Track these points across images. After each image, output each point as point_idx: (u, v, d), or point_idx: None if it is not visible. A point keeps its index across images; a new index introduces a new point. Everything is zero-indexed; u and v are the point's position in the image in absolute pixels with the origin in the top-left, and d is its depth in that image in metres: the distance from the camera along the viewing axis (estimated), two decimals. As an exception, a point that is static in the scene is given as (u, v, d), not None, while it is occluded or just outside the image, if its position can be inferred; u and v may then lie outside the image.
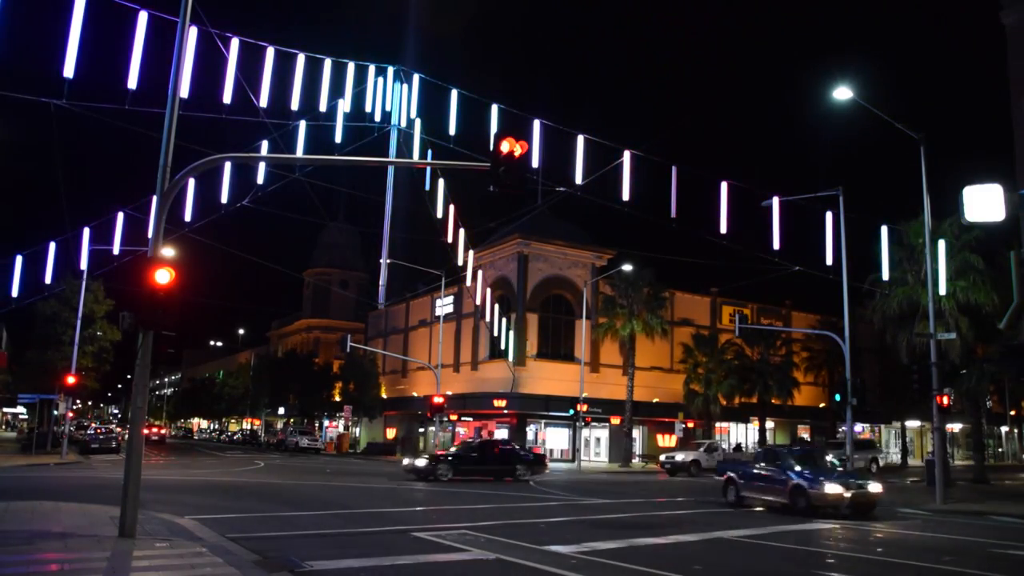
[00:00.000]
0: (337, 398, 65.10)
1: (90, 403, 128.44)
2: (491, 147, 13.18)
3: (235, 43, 21.76)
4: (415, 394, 58.98)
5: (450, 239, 39.43)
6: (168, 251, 14.68)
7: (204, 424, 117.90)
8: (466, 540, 13.01)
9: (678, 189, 25.02)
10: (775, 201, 26.67)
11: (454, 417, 54.01)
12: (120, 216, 27.64)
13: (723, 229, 25.69)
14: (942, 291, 28.85)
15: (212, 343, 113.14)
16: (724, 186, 25.65)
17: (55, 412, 48.95)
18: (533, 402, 47.40)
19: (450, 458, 29.86)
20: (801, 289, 53.58)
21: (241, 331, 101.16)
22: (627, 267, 45.17)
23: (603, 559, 11.55)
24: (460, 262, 42.34)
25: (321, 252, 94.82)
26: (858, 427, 59.25)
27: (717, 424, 53.85)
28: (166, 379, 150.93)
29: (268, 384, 73.93)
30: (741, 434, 58.91)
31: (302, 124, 26.85)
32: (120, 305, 45.70)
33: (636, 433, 50.08)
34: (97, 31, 17.97)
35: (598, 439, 51.68)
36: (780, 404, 51.61)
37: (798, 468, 19.55)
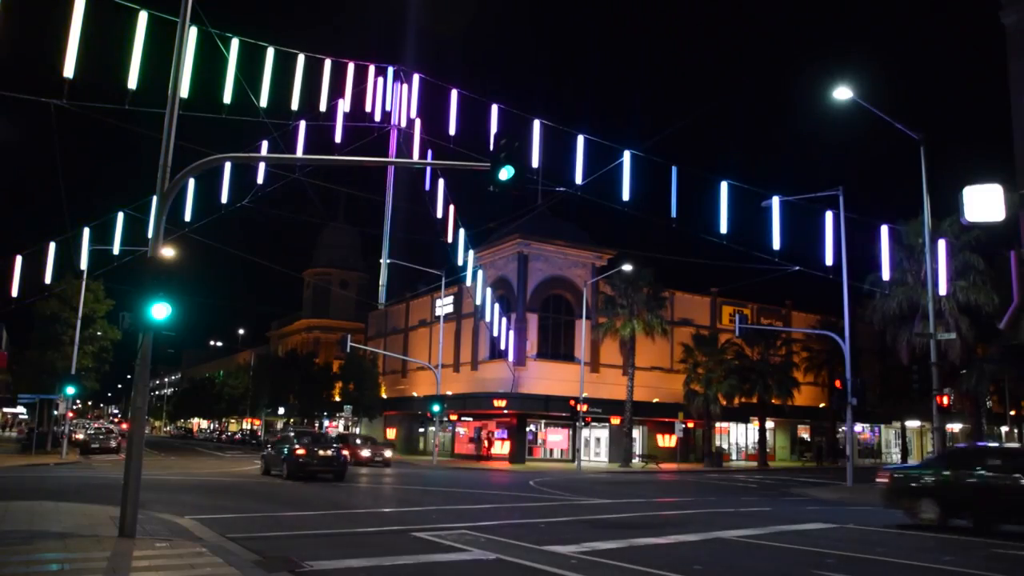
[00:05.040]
0: (337, 398, 65.09)
1: (90, 403, 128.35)
2: (491, 147, 13.18)
3: (235, 43, 21.78)
4: (415, 394, 59.00)
5: (450, 239, 39.45)
6: (168, 251, 14.69)
7: (204, 424, 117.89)
8: (466, 540, 13.01)
9: (678, 189, 25.05)
10: (775, 201, 26.69)
11: (454, 417, 54.04)
12: (120, 216, 27.69)
13: (723, 229, 25.72)
14: (942, 291, 28.87)
15: (212, 343, 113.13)
16: (724, 186, 25.67)
17: (55, 412, 48.93)
18: (533, 402, 47.39)
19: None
20: (801, 289, 53.66)
21: (241, 331, 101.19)
22: (627, 267, 45.16)
23: (603, 559, 11.55)
24: (460, 262, 42.36)
25: (321, 252, 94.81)
26: (858, 427, 59.31)
27: (717, 424, 53.88)
28: (166, 379, 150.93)
29: (268, 384, 73.87)
30: (741, 434, 58.97)
31: (302, 124, 26.87)
32: (120, 305, 45.73)
33: (636, 433, 50.07)
34: (97, 31, 17.97)
35: (598, 439, 51.68)
36: (780, 404, 51.66)
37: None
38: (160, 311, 11.26)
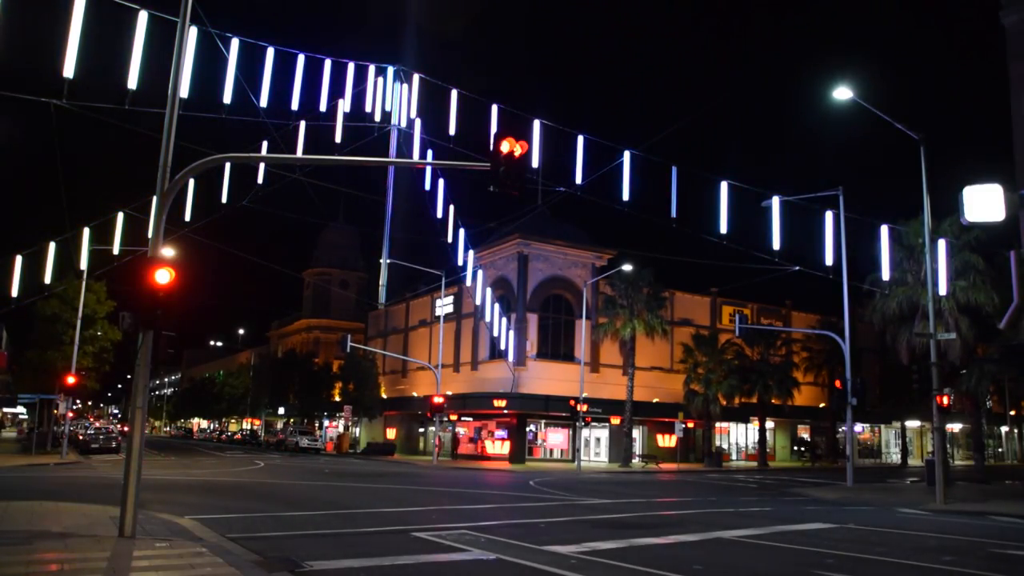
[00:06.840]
0: (337, 398, 65.10)
1: (90, 403, 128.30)
2: (491, 147, 13.18)
3: (235, 43, 21.76)
4: (415, 394, 58.99)
5: (450, 239, 39.42)
6: (168, 251, 14.69)
7: (204, 424, 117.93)
8: (466, 540, 13.01)
9: (678, 189, 25.04)
10: (775, 201, 26.69)
11: (454, 417, 54.03)
12: (120, 216, 27.67)
13: (723, 229, 25.71)
14: (942, 291, 28.85)
15: (212, 343, 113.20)
16: (724, 186, 25.66)
17: (55, 412, 48.96)
18: (533, 402, 47.38)
19: None
20: (801, 289, 53.70)
21: (241, 331, 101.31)
22: (627, 267, 45.17)
23: (603, 559, 11.55)
24: (460, 262, 42.36)
25: (321, 252, 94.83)
26: (858, 427, 59.31)
27: (717, 424, 53.87)
28: (166, 379, 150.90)
29: (268, 384, 73.93)
30: (741, 434, 58.96)
31: (302, 124, 26.83)
32: (121, 305, 45.70)
33: (636, 433, 50.06)
34: (97, 31, 17.96)
35: (598, 439, 51.68)
36: (780, 404, 51.66)
37: None
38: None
